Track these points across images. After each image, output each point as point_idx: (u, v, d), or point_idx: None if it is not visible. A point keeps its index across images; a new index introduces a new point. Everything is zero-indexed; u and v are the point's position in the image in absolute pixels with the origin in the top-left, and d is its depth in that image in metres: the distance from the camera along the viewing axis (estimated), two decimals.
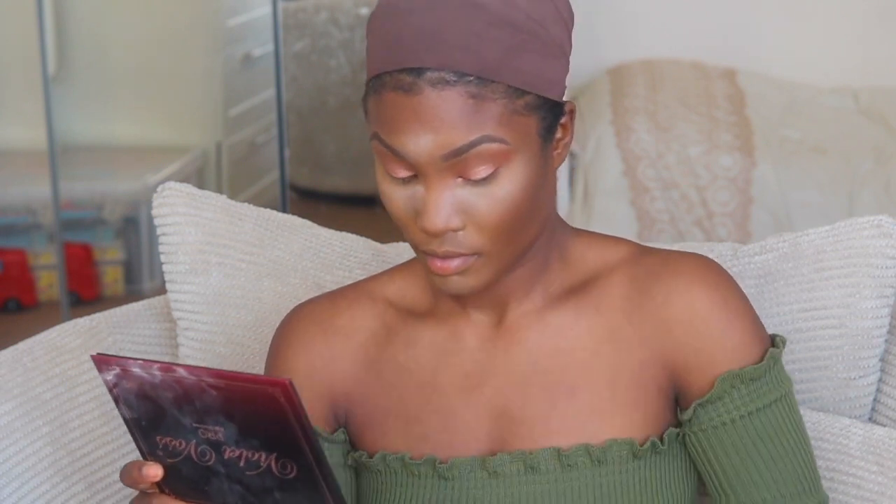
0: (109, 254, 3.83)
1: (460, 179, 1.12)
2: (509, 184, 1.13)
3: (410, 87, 1.10)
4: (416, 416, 1.25)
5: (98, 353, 1.02)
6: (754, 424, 1.21)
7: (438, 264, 1.15)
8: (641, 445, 1.21)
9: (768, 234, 2.13)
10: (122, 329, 1.55)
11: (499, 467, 1.21)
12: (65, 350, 1.51)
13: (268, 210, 1.56)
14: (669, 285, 1.23)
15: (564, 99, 1.18)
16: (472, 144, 1.10)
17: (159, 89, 3.99)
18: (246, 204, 1.56)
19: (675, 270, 1.24)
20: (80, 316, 1.57)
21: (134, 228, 3.86)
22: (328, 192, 4.88)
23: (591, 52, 3.84)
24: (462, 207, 1.13)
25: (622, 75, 3.80)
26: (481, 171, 1.12)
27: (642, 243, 1.32)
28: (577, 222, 3.42)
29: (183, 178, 3.83)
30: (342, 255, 1.55)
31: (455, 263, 1.15)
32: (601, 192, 3.45)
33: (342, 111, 4.88)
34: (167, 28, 3.95)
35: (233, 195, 1.62)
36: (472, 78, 1.10)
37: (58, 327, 1.54)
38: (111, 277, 3.84)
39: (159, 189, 1.54)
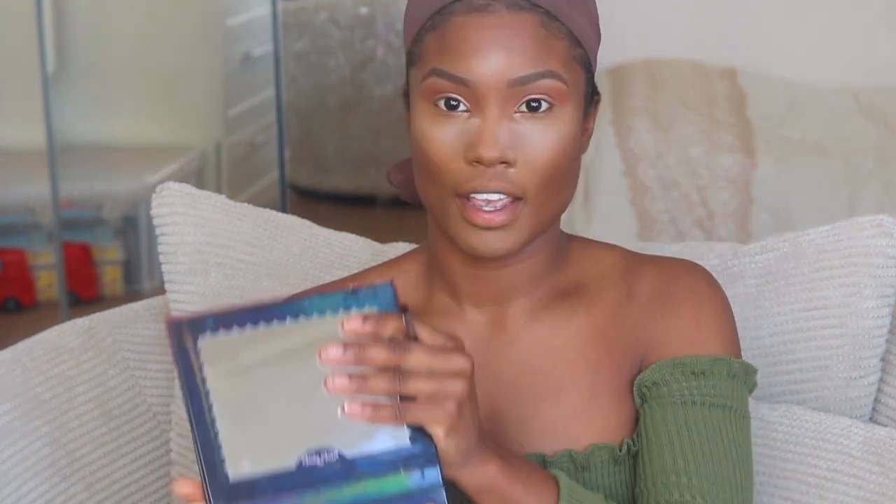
0: (108, 254, 3.84)
1: (517, 114, 1.13)
2: (563, 125, 1.14)
3: (485, 8, 1.12)
4: None
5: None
6: (689, 415, 1.19)
7: (484, 216, 1.13)
8: (620, 450, 1.21)
9: (769, 234, 2.13)
10: (122, 329, 1.55)
11: None
12: (64, 350, 1.50)
13: (267, 210, 1.56)
14: (654, 285, 1.24)
15: None
16: (540, 76, 1.12)
17: (159, 89, 3.99)
18: (245, 204, 1.56)
19: (661, 273, 1.25)
20: (80, 316, 1.57)
21: (133, 228, 3.86)
22: (328, 192, 4.88)
23: None
24: (516, 142, 1.13)
25: (622, 75, 3.80)
26: (540, 106, 1.13)
27: (640, 243, 1.32)
28: (577, 222, 3.42)
29: (182, 177, 3.83)
30: (341, 255, 1.55)
31: (502, 217, 1.13)
32: (601, 192, 3.45)
33: (342, 111, 4.88)
34: (167, 27, 3.96)
35: (232, 195, 1.62)
36: (542, 9, 1.13)
37: (57, 327, 1.54)
38: (110, 277, 3.84)
39: (158, 189, 1.53)
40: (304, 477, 0.98)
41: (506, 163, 1.12)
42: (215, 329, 0.97)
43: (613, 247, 1.29)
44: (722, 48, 4.01)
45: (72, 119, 3.80)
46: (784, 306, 1.41)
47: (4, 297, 3.72)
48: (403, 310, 1.00)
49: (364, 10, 4.82)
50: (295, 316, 0.98)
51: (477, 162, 1.12)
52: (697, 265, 1.26)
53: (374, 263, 1.54)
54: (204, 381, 0.98)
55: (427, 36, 1.15)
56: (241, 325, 0.98)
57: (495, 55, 1.11)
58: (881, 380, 1.41)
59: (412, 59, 1.17)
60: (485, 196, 1.13)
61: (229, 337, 0.98)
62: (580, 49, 1.16)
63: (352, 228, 1.61)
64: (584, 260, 1.27)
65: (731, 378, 1.21)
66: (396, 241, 1.58)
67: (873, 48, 4.01)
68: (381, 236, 1.63)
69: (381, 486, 0.99)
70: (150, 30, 3.95)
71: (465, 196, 1.14)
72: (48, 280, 3.73)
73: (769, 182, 3.39)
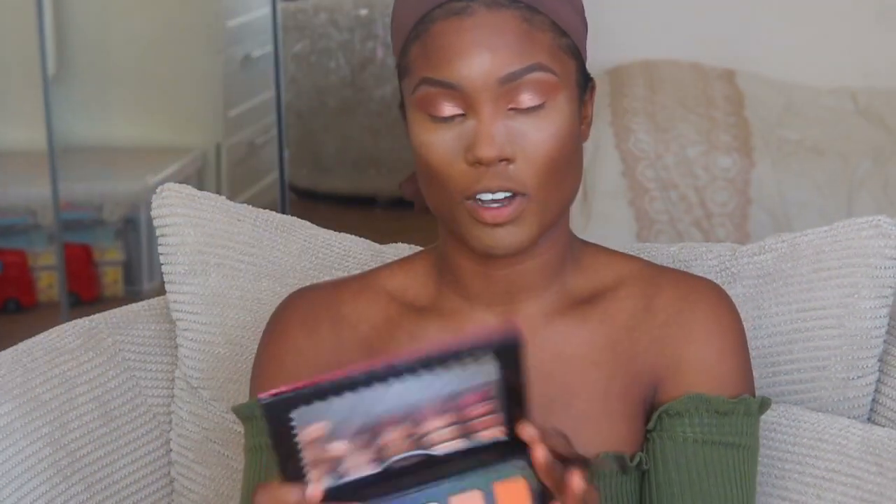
0: (109, 254, 3.84)
1: (511, 111, 1.13)
2: (558, 117, 1.14)
3: (464, 10, 1.12)
4: None
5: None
6: (707, 455, 1.20)
7: (492, 212, 1.14)
8: (631, 461, 1.21)
9: (767, 235, 2.12)
10: (122, 330, 1.55)
11: None
12: (64, 351, 1.50)
13: (267, 211, 1.56)
14: (675, 305, 1.23)
15: None
16: (527, 70, 1.12)
17: (159, 90, 4.00)
18: (245, 205, 1.56)
19: (684, 292, 1.24)
20: (80, 316, 1.57)
21: (133, 229, 3.87)
22: (327, 193, 4.88)
23: (589, 53, 3.82)
24: (513, 138, 1.13)
25: (621, 76, 3.80)
26: (532, 101, 1.13)
27: (638, 244, 1.32)
28: (575, 223, 3.41)
29: (182, 178, 3.84)
30: (341, 255, 1.55)
31: (508, 210, 1.14)
32: (600, 193, 3.45)
33: (341, 112, 4.89)
34: (167, 29, 3.96)
35: (232, 196, 1.62)
36: (522, 3, 1.13)
37: (57, 328, 1.54)
38: (111, 278, 3.84)
39: (158, 190, 1.54)
40: (389, 476, 0.96)
41: (506, 160, 1.13)
42: (308, 402, 0.94)
43: (631, 256, 1.28)
44: (720, 49, 4.01)
45: (72, 120, 3.80)
46: (782, 307, 1.41)
47: (5, 298, 3.72)
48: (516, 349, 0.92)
49: (364, 12, 4.83)
50: (385, 381, 0.93)
51: (477, 163, 1.13)
52: (718, 287, 1.26)
53: (374, 264, 1.54)
54: (299, 450, 0.95)
55: (412, 46, 1.15)
56: (332, 395, 0.94)
57: (480, 56, 1.12)
58: (879, 380, 1.41)
59: (402, 71, 1.17)
60: (490, 196, 1.14)
61: (320, 405, 0.94)
62: (566, 38, 1.16)
63: (351, 229, 1.61)
64: (599, 267, 1.26)
65: (748, 416, 1.22)
66: (396, 241, 1.58)
67: (871, 49, 4.01)
68: (381, 237, 1.63)
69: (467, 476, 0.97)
70: (150, 31, 3.95)
71: (472, 198, 1.15)
72: (49, 281, 3.73)
73: (767, 182, 3.39)
